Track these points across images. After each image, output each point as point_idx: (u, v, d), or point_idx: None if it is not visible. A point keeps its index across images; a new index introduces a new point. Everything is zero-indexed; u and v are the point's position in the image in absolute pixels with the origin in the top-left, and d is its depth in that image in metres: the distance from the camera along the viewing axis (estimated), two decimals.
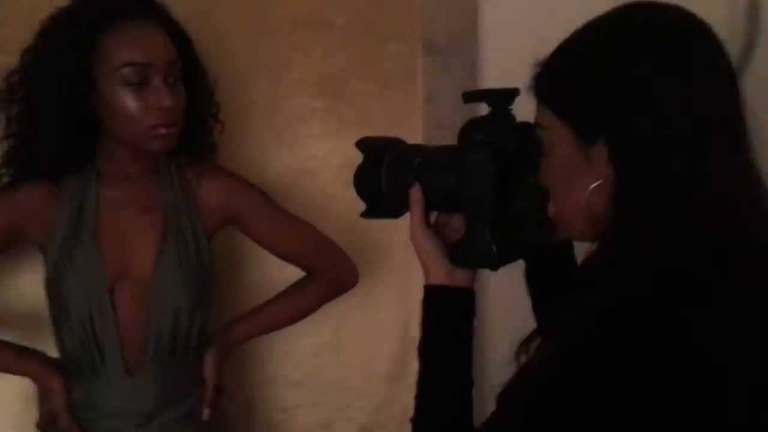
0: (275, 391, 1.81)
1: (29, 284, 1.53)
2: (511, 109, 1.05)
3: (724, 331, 0.82)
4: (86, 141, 1.38)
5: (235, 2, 1.71)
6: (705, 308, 0.82)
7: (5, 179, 1.40)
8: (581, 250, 1.02)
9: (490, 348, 1.71)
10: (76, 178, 1.40)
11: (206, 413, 1.46)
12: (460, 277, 1.05)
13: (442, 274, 1.05)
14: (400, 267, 1.85)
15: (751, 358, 0.83)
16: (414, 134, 1.85)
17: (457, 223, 1.09)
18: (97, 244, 1.38)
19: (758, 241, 0.86)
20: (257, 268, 1.73)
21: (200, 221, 1.45)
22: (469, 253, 1.03)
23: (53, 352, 1.45)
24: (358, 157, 1.15)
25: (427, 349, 1.04)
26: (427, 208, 1.08)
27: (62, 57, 1.29)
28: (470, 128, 1.04)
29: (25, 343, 1.52)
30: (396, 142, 1.15)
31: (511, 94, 1.04)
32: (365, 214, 1.15)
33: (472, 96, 1.06)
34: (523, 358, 0.93)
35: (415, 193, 1.06)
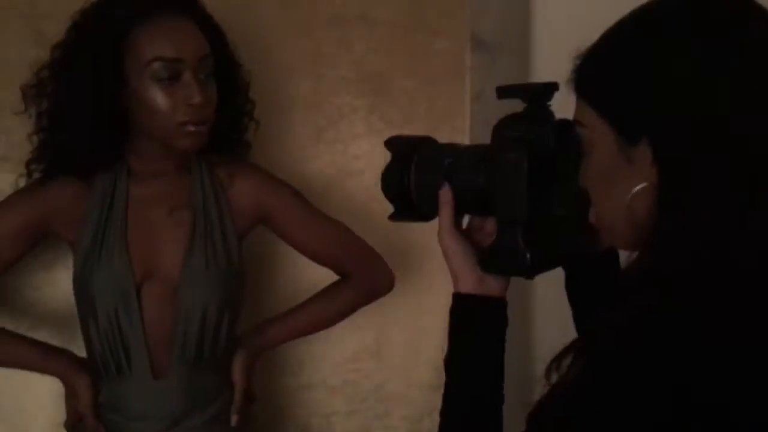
0: (312, 396, 1.77)
1: (66, 280, 1.52)
2: (550, 106, 0.98)
3: None
4: (117, 137, 1.36)
5: None
6: (757, 324, 0.75)
7: (35, 175, 1.38)
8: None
9: (537, 364, 1.65)
10: (106, 174, 1.38)
11: (234, 419, 1.42)
12: (491, 285, 0.99)
13: (472, 281, 0.98)
14: (444, 271, 1.77)
15: None
16: (460, 134, 1.80)
17: (491, 227, 1.02)
18: (126, 242, 1.36)
19: None
20: (289, 270, 1.69)
21: (231, 221, 1.42)
22: (501, 259, 0.97)
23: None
24: None
25: (454, 363, 0.99)
26: (458, 210, 1.01)
27: (93, 51, 1.28)
28: (504, 125, 0.97)
29: (60, 340, 1.51)
30: (427, 141, 1.09)
31: (550, 88, 0.97)
32: (393, 217, 1.09)
33: (507, 91, 0.99)
34: (555, 377, 0.86)
35: (445, 194, 1.00)
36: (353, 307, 1.53)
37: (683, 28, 0.79)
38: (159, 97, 1.28)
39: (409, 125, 1.76)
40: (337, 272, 1.53)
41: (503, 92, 0.98)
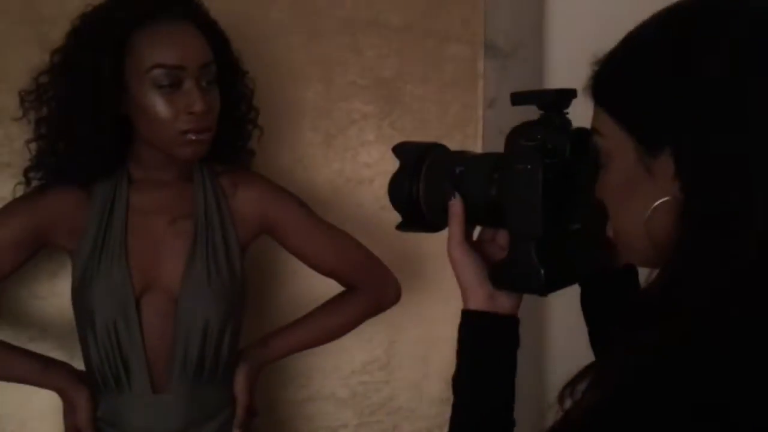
0: (319, 408, 1.73)
1: (69, 290, 1.49)
2: (567, 113, 0.93)
3: None
4: (118, 145, 1.33)
5: (286, 1, 1.64)
6: None
7: (34, 183, 1.36)
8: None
9: (550, 388, 1.60)
10: (106, 183, 1.35)
11: None
12: (502, 302, 0.94)
13: (483, 297, 0.94)
14: (455, 283, 1.75)
15: None
16: (473, 141, 1.77)
17: (503, 239, 0.98)
18: (125, 252, 1.33)
19: None
20: (293, 282, 1.66)
21: (233, 231, 1.39)
22: (513, 275, 0.92)
23: None
24: None
25: (462, 383, 0.94)
26: (469, 221, 0.97)
27: (93, 56, 1.24)
28: (518, 133, 0.92)
29: (62, 351, 1.49)
30: (437, 148, 1.04)
31: (567, 95, 0.92)
32: (401, 227, 1.05)
33: (522, 98, 0.94)
34: (568, 402, 0.81)
35: (455, 205, 0.95)
36: (359, 319, 1.49)
37: (711, 30, 0.73)
38: (159, 105, 1.25)
39: (421, 132, 1.73)
40: (342, 284, 1.50)
41: (518, 99, 0.93)
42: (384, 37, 1.70)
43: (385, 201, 1.70)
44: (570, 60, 1.81)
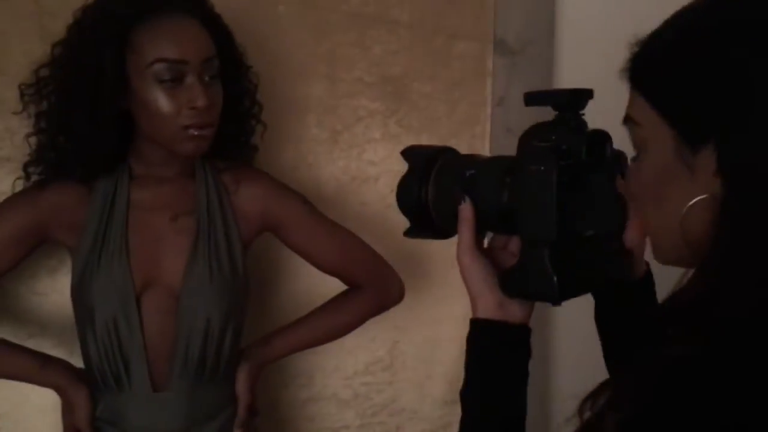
0: (321, 409, 1.71)
1: (68, 287, 1.48)
2: (583, 114, 0.89)
3: None
4: (119, 140, 1.31)
5: None
6: None
7: (34, 178, 1.34)
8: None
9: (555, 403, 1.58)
10: (107, 178, 1.33)
11: None
12: (513, 311, 0.89)
13: (492, 305, 0.89)
14: (460, 282, 1.72)
15: None
16: (481, 140, 1.74)
17: (515, 246, 0.94)
18: (125, 249, 1.31)
19: None
20: (296, 280, 1.64)
21: (235, 228, 1.37)
22: (525, 282, 0.88)
23: None
24: None
25: (470, 396, 0.90)
26: (480, 227, 0.93)
27: (94, 50, 1.23)
28: (531, 134, 0.88)
29: (63, 348, 1.47)
30: (447, 152, 1.00)
31: (583, 96, 0.88)
32: (409, 233, 1.01)
33: (535, 98, 0.90)
34: (588, 415, 0.75)
35: (465, 210, 0.91)
36: (361, 318, 1.47)
37: None
38: (161, 100, 1.23)
39: (428, 130, 1.71)
40: (345, 282, 1.48)
41: (531, 99, 0.90)
42: (392, 34, 1.67)
43: (391, 199, 1.68)
44: (580, 58, 1.79)
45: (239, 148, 1.41)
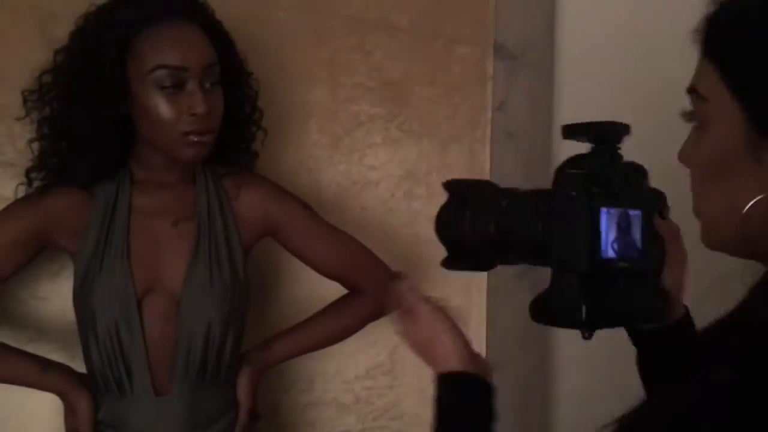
0: (323, 414, 1.71)
1: (70, 291, 1.48)
2: (619, 148, 0.89)
3: None
4: (120, 146, 1.32)
5: (293, 1, 1.62)
6: None
7: (36, 183, 1.34)
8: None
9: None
10: (108, 184, 1.34)
11: None
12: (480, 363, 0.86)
13: (466, 358, 0.85)
14: (461, 287, 1.73)
15: None
16: (481, 144, 1.74)
17: None
18: (127, 253, 1.31)
19: None
20: (296, 284, 1.63)
21: (236, 233, 1.38)
22: (554, 309, 0.87)
23: None
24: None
25: None
26: (514, 259, 0.92)
27: (95, 57, 1.24)
28: (566, 164, 0.89)
29: (64, 353, 1.47)
30: (486, 185, 1.00)
31: (621, 129, 0.88)
32: (446, 263, 1.00)
33: (573, 130, 0.89)
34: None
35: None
36: (362, 322, 1.48)
37: None
38: (162, 106, 1.24)
39: (429, 134, 1.71)
40: (345, 286, 1.48)
41: (569, 131, 0.90)
42: (392, 38, 1.68)
43: (391, 204, 1.70)
44: (580, 62, 1.79)
45: (240, 155, 1.42)
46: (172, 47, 1.24)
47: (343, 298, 1.48)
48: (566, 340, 0.93)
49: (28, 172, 1.34)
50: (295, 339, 1.45)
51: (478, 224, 0.94)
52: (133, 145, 1.34)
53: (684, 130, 0.81)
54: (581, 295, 0.84)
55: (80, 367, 1.39)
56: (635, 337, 0.96)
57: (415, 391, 1.76)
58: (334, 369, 1.70)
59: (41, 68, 1.32)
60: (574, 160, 0.88)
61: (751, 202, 0.63)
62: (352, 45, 1.66)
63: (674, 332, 0.91)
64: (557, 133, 0.93)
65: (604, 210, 0.84)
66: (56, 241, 1.34)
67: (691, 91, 0.67)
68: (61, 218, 1.33)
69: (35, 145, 1.34)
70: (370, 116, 1.69)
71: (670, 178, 0.87)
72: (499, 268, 0.99)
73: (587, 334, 0.84)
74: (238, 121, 1.38)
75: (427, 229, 1.05)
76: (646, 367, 0.95)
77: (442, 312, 0.90)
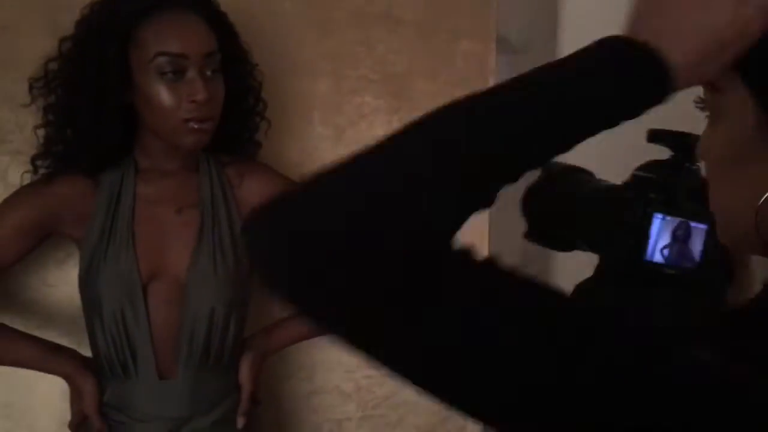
0: (324, 401, 1.74)
1: (76, 278, 1.50)
2: (697, 162, 0.88)
3: None
4: (124, 134, 1.34)
5: None
6: None
7: (41, 170, 1.36)
8: None
9: None
10: (113, 172, 1.36)
11: (240, 421, 1.40)
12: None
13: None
14: None
15: None
16: None
17: None
18: (132, 240, 1.33)
19: None
20: None
21: (239, 220, 1.39)
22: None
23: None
24: None
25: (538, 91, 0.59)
26: (580, 246, 0.93)
27: (99, 45, 1.26)
28: (641, 166, 0.90)
29: (70, 338, 1.49)
30: (581, 171, 0.99)
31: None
32: (527, 235, 0.98)
33: (658, 136, 0.89)
34: None
35: None
36: None
37: None
38: (162, 93, 1.26)
39: None
40: None
41: (655, 136, 0.90)
42: (395, 32, 1.69)
43: None
44: None
45: (243, 145, 1.44)
46: (173, 35, 1.26)
47: None
48: None
49: (33, 159, 1.36)
50: (297, 325, 1.45)
51: (559, 204, 0.96)
52: (138, 133, 1.36)
53: (685, 125, 0.83)
54: (614, 295, 0.86)
55: (87, 353, 1.41)
56: None
57: None
58: (335, 358, 1.72)
59: (49, 56, 1.34)
60: (648, 164, 0.89)
61: (767, 194, 0.61)
62: (356, 38, 1.67)
63: None
64: None
65: (658, 216, 0.84)
66: (61, 229, 1.36)
67: (706, 83, 0.64)
68: (67, 206, 1.34)
69: (41, 132, 1.36)
70: (373, 109, 1.70)
71: None
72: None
73: None
74: (242, 111, 1.40)
75: None
76: None
77: None
